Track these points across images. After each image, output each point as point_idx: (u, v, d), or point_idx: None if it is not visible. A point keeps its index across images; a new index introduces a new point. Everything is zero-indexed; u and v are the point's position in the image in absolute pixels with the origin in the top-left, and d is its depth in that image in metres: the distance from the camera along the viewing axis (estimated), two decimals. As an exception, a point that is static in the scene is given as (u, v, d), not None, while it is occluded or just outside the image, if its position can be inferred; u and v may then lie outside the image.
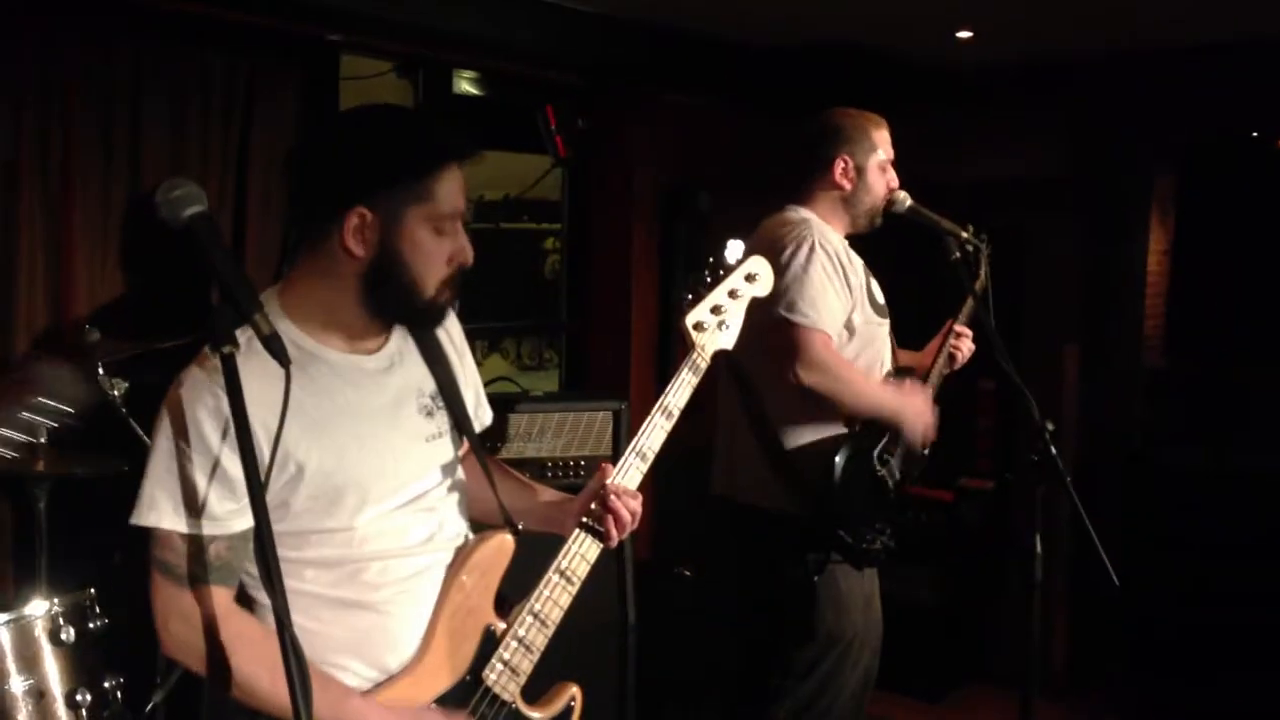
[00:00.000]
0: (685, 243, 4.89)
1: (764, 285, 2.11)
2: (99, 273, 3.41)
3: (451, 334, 2.00)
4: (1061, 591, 4.65)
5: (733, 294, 2.06)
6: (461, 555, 1.89)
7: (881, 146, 3.02)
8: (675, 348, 4.89)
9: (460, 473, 1.96)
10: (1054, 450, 2.62)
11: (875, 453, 2.93)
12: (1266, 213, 4.62)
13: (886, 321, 3.07)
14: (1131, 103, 4.61)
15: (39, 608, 2.53)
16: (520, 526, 1.94)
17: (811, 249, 2.85)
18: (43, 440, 2.88)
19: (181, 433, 1.68)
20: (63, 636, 2.52)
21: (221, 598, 1.72)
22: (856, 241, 3.12)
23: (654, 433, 1.97)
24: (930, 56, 4.66)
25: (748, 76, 4.75)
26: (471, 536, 1.94)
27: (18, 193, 3.24)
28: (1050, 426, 2.64)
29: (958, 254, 2.99)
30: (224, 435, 1.67)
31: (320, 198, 1.76)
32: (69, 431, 3.17)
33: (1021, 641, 2.71)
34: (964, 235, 3.08)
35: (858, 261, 3.01)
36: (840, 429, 2.91)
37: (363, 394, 1.80)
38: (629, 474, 1.94)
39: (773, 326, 2.77)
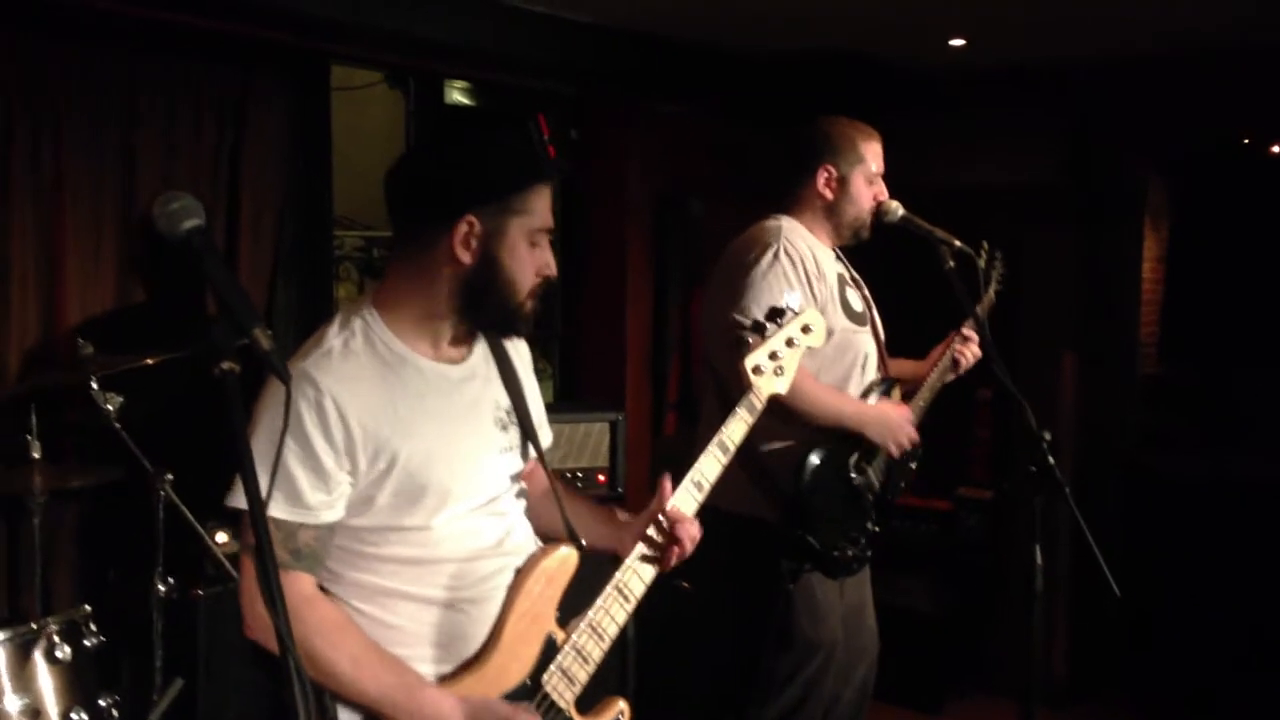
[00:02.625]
0: (678, 251, 4.89)
1: (818, 337, 2.25)
2: (92, 287, 3.39)
3: (523, 356, 2.11)
4: (1061, 601, 4.65)
5: (789, 343, 2.20)
6: (530, 563, 1.95)
7: (870, 158, 3.00)
8: (670, 356, 4.89)
9: (524, 486, 2.05)
10: (1052, 460, 2.62)
11: (851, 460, 2.92)
12: (1260, 219, 4.63)
13: (865, 329, 3.04)
14: (1125, 110, 4.62)
15: (34, 625, 2.51)
16: (584, 543, 2.01)
17: (775, 255, 2.84)
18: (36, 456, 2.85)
19: (280, 421, 1.71)
20: (58, 654, 2.50)
21: (307, 584, 1.80)
22: (852, 251, 3.11)
23: (710, 464, 2.07)
24: (923, 64, 4.66)
25: (740, 85, 4.75)
26: (538, 546, 2.01)
27: (10, 206, 3.22)
28: (1048, 436, 2.63)
29: (952, 263, 2.98)
30: (322, 427, 1.76)
31: (432, 205, 1.85)
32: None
33: (1021, 651, 2.69)
34: (957, 244, 3.07)
35: (830, 269, 2.98)
36: (817, 433, 2.89)
37: (447, 401, 1.89)
38: (685, 503, 2.03)
39: (728, 327, 2.77)
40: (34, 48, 3.23)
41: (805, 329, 2.22)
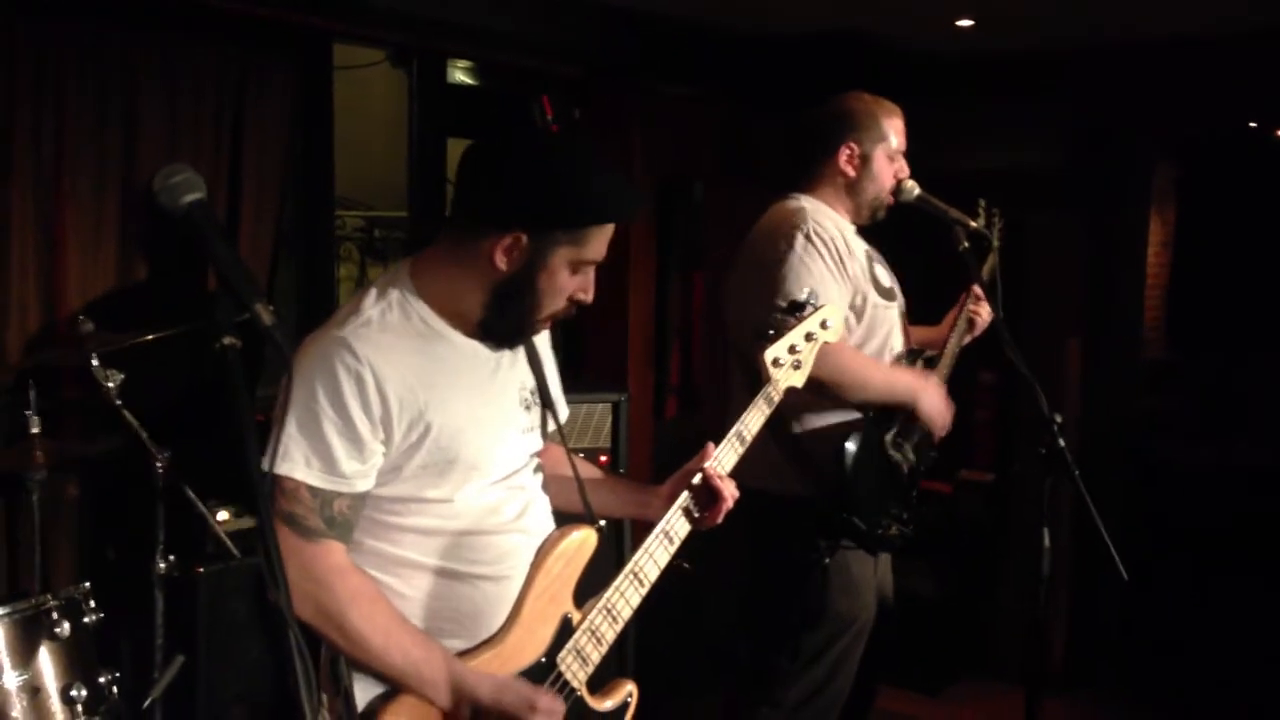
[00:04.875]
0: (681, 233, 4.88)
1: (835, 332, 2.28)
2: (91, 264, 3.37)
3: (545, 338, 2.11)
4: (1061, 585, 4.64)
5: (809, 337, 2.23)
6: (549, 543, 1.97)
7: (893, 134, 2.97)
8: (672, 339, 4.88)
9: (540, 463, 2.06)
10: (1062, 442, 2.60)
11: (889, 438, 2.91)
12: (1266, 204, 4.61)
13: (895, 304, 3.03)
14: (1132, 94, 4.59)
15: (33, 602, 2.50)
16: (602, 524, 2.02)
17: (806, 238, 2.82)
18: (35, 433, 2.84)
19: (318, 388, 1.76)
20: (58, 631, 2.49)
21: (340, 554, 1.81)
22: (863, 231, 3.09)
23: (727, 454, 2.09)
24: (930, 46, 4.63)
25: (744, 67, 4.73)
26: (555, 524, 2.03)
27: (10, 185, 3.20)
28: (1059, 419, 2.62)
29: (966, 244, 2.97)
30: (360, 396, 1.76)
31: (492, 206, 1.83)
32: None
33: (1021, 634, 2.69)
34: (973, 225, 3.06)
35: (858, 246, 2.97)
36: (852, 414, 2.88)
37: (478, 377, 1.91)
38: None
39: (766, 318, 2.74)
40: (36, 26, 3.20)
41: (824, 324, 2.25)
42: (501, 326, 1.90)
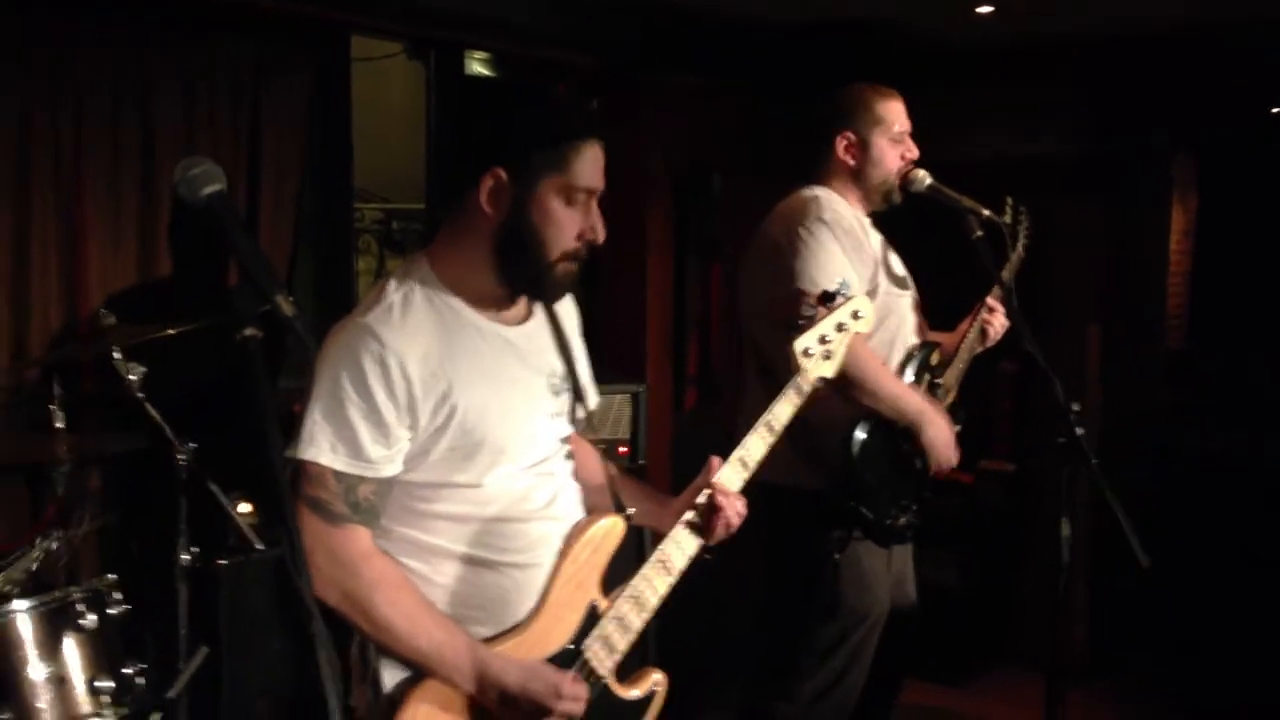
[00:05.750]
0: (698, 224, 4.86)
1: (866, 323, 2.26)
2: (112, 259, 3.39)
3: (573, 322, 2.13)
4: (1082, 574, 4.62)
5: (840, 327, 2.20)
6: (577, 530, 1.97)
7: (890, 118, 2.96)
8: (690, 329, 4.87)
9: (571, 450, 2.06)
10: (1080, 431, 2.59)
11: (900, 428, 2.89)
12: (1289, 191, 4.56)
13: (907, 293, 3.03)
14: (1154, 82, 4.55)
15: (59, 594, 2.52)
16: (630, 512, 2.02)
17: (822, 222, 2.83)
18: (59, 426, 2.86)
19: (343, 375, 1.77)
20: (83, 623, 2.51)
21: (365, 539, 1.82)
22: (876, 219, 3.08)
23: (756, 444, 2.08)
24: (949, 33, 4.60)
25: (761, 57, 4.71)
26: (584, 513, 2.04)
27: (30, 180, 3.22)
28: (1076, 407, 2.61)
29: (980, 233, 2.95)
30: (384, 382, 1.78)
31: (460, 160, 1.87)
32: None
33: (1043, 624, 2.68)
34: (986, 213, 3.04)
35: (873, 233, 2.98)
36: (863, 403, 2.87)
37: (503, 361, 1.91)
38: (730, 480, 2.04)
39: (788, 301, 2.74)
40: (52, 21, 3.22)
41: (855, 314, 2.24)
42: (518, 276, 1.89)
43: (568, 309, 2.12)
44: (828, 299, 2.23)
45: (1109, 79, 4.62)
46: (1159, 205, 4.71)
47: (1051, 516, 2.61)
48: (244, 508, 3.15)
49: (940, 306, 3.20)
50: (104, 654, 2.56)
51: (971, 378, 3.14)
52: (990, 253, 3.00)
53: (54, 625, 2.48)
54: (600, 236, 1.90)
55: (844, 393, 2.71)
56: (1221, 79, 4.42)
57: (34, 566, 2.55)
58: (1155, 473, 4.65)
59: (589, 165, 1.86)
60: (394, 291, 1.86)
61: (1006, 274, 3.06)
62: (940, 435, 2.88)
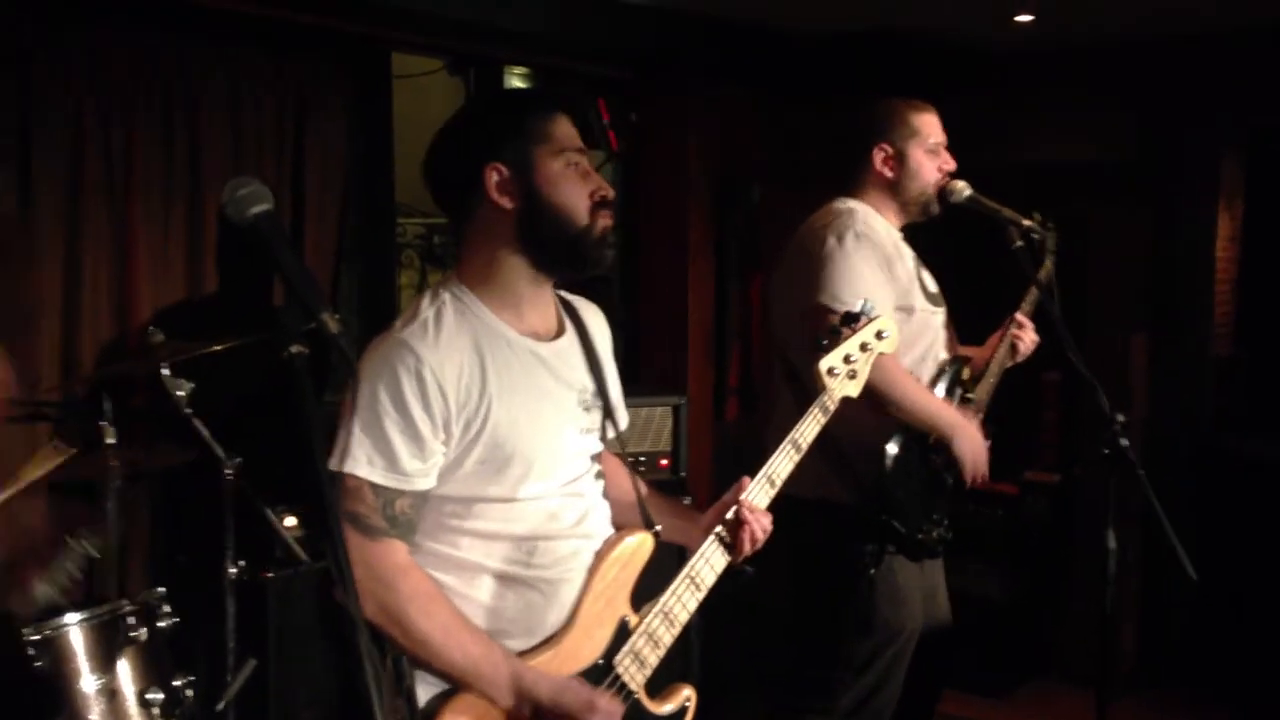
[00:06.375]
0: (738, 235, 4.86)
1: (890, 344, 2.28)
2: (161, 277, 3.44)
3: (605, 340, 2.14)
4: (1131, 587, 4.57)
5: (864, 347, 2.23)
6: (606, 546, 1.99)
7: (925, 129, 2.96)
8: (731, 341, 4.87)
9: (601, 468, 2.08)
10: (1125, 442, 2.57)
11: (930, 442, 2.88)
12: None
13: (940, 310, 3.02)
14: (1197, 85, 4.50)
15: (110, 606, 2.56)
16: (658, 528, 2.04)
17: (855, 237, 2.82)
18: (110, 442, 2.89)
19: (380, 389, 1.80)
20: (134, 635, 2.55)
21: (402, 553, 1.84)
22: (914, 232, 3.07)
23: (783, 462, 2.11)
24: (988, 40, 4.58)
25: (799, 66, 4.71)
26: (614, 530, 2.05)
27: (82, 200, 3.28)
28: (1121, 418, 2.59)
29: (1020, 242, 2.94)
30: (420, 395, 1.80)
31: (458, 171, 1.92)
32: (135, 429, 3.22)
33: (1090, 636, 2.65)
34: (1026, 223, 3.02)
35: (906, 251, 2.97)
36: (894, 417, 2.86)
37: (535, 375, 1.93)
38: (758, 496, 2.07)
39: (813, 313, 2.74)
40: (100, 42, 3.28)
41: (879, 335, 2.25)
42: (554, 254, 1.92)
43: (600, 327, 2.13)
44: (851, 319, 2.25)
45: (1150, 83, 4.58)
46: (1204, 211, 4.65)
47: (1097, 528, 2.59)
48: (289, 521, 3.19)
49: (966, 318, 3.19)
50: (154, 666, 2.60)
51: (1015, 388, 3.12)
52: (1030, 262, 2.99)
53: (105, 638, 2.52)
54: (610, 192, 1.94)
55: (875, 407, 2.70)
56: (1267, 81, 4.36)
57: (72, 567, 2.58)
58: (1203, 483, 4.58)
59: (569, 130, 1.92)
60: (428, 307, 1.89)
61: (1034, 294, 3.05)
62: (972, 446, 2.87)
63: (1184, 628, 4.57)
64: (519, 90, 2.03)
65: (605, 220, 1.93)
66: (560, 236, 1.90)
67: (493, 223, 1.90)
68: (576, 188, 1.90)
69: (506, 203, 1.88)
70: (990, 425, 3.02)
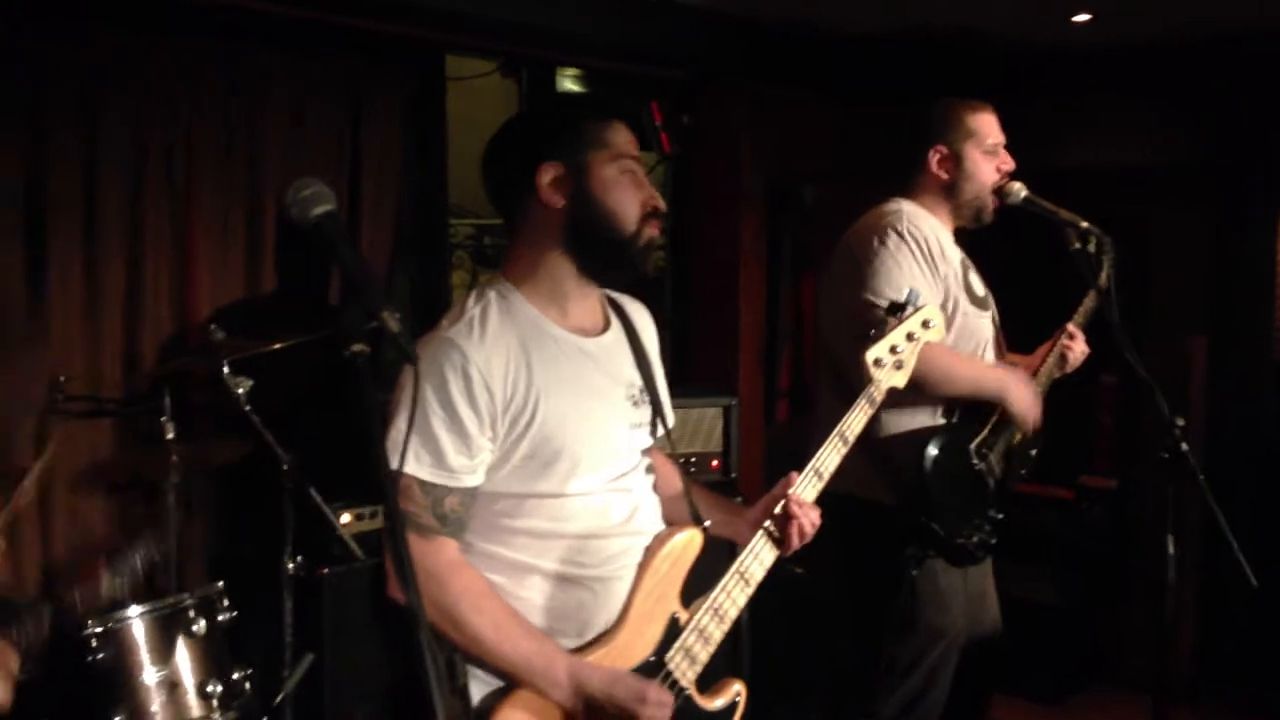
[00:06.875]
0: (790, 236, 4.85)
1: (937, 332, 2.29)
2: (220, 275, 3.49)
3: (652, 339, 2.16)
4: (1190, 593, 4.49)
5: (910, 337, 2.23)
6: (657, 543, 2.00)
7: (983, 130, 2.94)
8: (783, 342, 4.85)
9: (650, 463, 2.10)
10: (1185, 447, 2.53)
11: (972, 446, 2.86)
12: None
13: (988, 313, 3.00)
14: (1259, 86, 4.42)
15: (172, 600, 2.61)
16: (708, 524, 2.05)
17: (900, 236, 2.81)
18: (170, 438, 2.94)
19: (426, 387, 1.82)
20: (194, 629, 2.59)
21: (452, 550, 1.87)
22: (966, 236, 3.05)
23: (830, 455, 2.10)
24: (1046, 41, 4.53)
25: (852, 68, 4.68)
26: (664, 526, 2.06)
27: (144, 201, 3.33)
28: (1181, 422, 2.56)
29: (1078, 244, 2.90)
30: (466, 393, 1.82)
31: (513, 166, 1.94)
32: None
33: (1148, 643, 2.62)
34: (1084, 225, 2.99)
35: (954, 253, 2.95)
36: (937, 419, 2.85)
37: (582, 371, 1.95)
38: (806, 490, 2.06)
39: (858, 311, 2.73)
40: (161, 49, 3.34)
41: (925, 324, 2.26)
42: (600, 258, 1.95)
43: (646, 325, 2.15)
44: (897, 309, 2.25)
45: (1210, 84, 4.50)
46: (1266, 212, 4.57)
47: (1155, 533, 2.56)
48: (345, 518, 3.22)
49: (1017, 324, 3.16)
50: (212, 659, 2.64)
51: (1071, 391, 3.08)
52: (1088, 265, 2.95)
53: (167, 630, 2.57)
54: (661, 203, 1.95)
55: (921, 389, 2.66)
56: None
57: (136, 564, 2.62)
58: (1263, 487, 4.50)
59: (625, 137, 1.94)
60: (474, 305, 1.92)
61: (1088, 302, 3.02)
62: (1023, 402, 2.86)
63: (1243, 634, 4.49)
64: (580, 95, 2.06)
65: (653, 230, 1.95)
66: (607, 240, 1.92)
67: (542, 221, 1.92)
68: (629, 194, 1.92)
69: (557, 201, 1.90)
70: (1039, 434, 2.99)
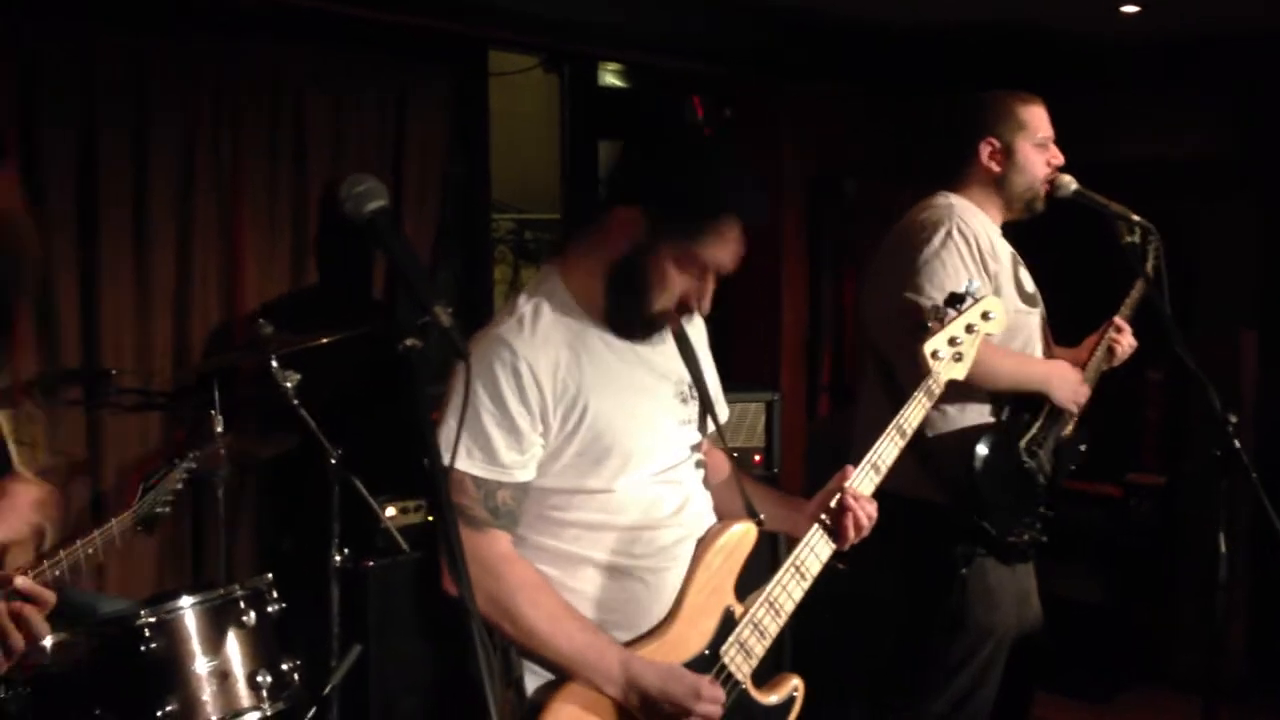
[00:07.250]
0: (832, 231, 4.83)
1: (998, 324, 2.25)
2: (267, 270, 3.54)
3: (701, 335, 2.15)
4: (1241, 591, 4.43)
5: (969, 328, 2.21)
6: (710, 536, 1.99)
7: (1034, 123, 2.90)
8: (825, 337, 4.83)
9: (702, 458, 2.08)
10: (1238, 443, 2.50)
11: (1023, 444, 2.84)
12: None
13: (1036, 310, 2.97)
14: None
15: (224, 591, 2.64)
16: (762, 518, 2.04)
17: (947, 234, 2.78)
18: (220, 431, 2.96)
19: (478, 384, 1.84)
20: (244, 620, 2.62)
21: (506, 543, 1.88)
22: (1014, 229, 3.02)
23: (888, 448, 2.09)
24: (1091, 32, 4.48)
25: (894, 60, 4.65)
26: (715, 519, 2.06)
27: (194, 198, 3.38)
28: (1233, 418, 2.52)
29: (1130, 237, 2.87)
30: (517, 389, 1.84)
31: (617, 183, 1.96)
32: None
33: (1197, 642, 2.59)
34: (1134, 218, 2.95)
35: (1004, 249, 2.92)
36: (986, 418, 2.83)
37: (629, 369, 1.95)
38: (863, 483, 2.05)
39: (905, 309, 2.71)
40: (210, 48, 3.38)
41: (985, 315, 2.23)
42: (617, 315, 1.94)
43: (694, 321, 2.13)
44: (957, 300, 2.22)
45: (1262, 76, 4.43)
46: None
47: (1205, 531, 2.53)
48: (389, 511, 3.25)
49: (1062, 318, 3.13)
50: (262, 650, 2.67)
51: (1119, 387, 3.04)
52: (1139, 258, 2.92)
53: (218, 621, 2.60)
54: (704, 309, 1.94)
55: (963, 387, 2.65)
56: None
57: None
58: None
59: (722, 244, 1.88)
60: (525, 304, 1.93)
61: (1135, 295, 2.98)
62: (1066, 390, 2.84)
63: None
64: (726, 172, 1.97)
65: (665, 320, 1.94)
66: (624, 303, 1.90)
67: (603, 240, 1.91)
68: (672, 287, 1.88)
69: (619, 240, 1.88)
70: (1085, 428, 2.97)
